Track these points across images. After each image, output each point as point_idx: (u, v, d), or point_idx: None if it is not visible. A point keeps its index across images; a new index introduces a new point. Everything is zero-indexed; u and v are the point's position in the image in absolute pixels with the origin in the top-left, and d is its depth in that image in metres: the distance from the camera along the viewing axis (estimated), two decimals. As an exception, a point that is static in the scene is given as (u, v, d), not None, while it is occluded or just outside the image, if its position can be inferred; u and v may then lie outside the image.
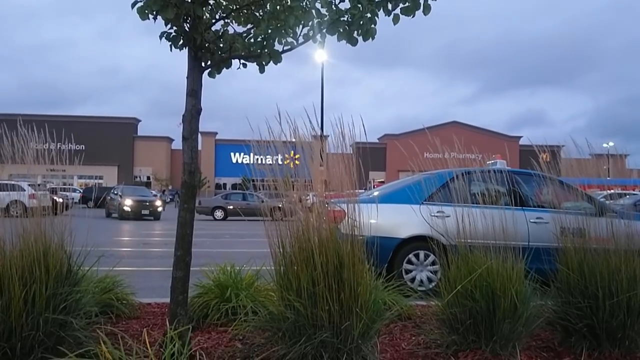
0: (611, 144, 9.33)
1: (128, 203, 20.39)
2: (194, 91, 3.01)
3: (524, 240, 4.22)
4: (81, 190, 29.54)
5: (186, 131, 3.01)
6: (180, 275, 3.02)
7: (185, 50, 3.01)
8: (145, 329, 3.44)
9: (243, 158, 60.78)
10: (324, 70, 21.43)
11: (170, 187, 46.57)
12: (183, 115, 3.03)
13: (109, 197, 21.89)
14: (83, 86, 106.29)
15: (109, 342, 2.31)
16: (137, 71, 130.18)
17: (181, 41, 2.93)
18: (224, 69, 3.18)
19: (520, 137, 59.78)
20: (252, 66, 3.13)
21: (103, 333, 2.52)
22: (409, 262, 5.35)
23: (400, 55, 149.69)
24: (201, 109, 3.01)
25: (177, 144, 59.64)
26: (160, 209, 21.70)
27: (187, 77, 3.06)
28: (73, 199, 17.34)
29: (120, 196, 21.04)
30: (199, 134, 3.54)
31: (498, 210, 3.42)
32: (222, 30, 3.17)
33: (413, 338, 3.44)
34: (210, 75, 3.17)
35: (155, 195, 25.14)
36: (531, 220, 5.32)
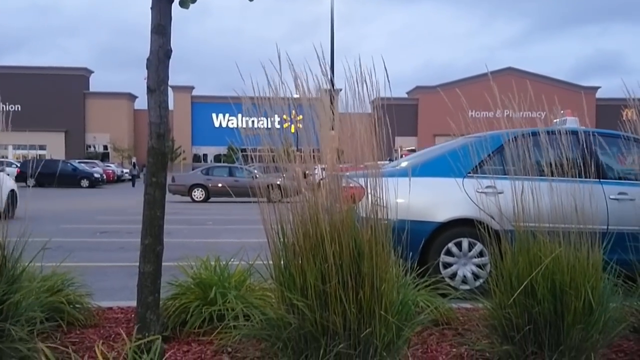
0: None
1: None
2: (160, 26, 2.98)
3: (602, 223, 4.20)
4: (17, 165, 29.89)
5: (152, 80, 3.00)
6: (149, 270, 3.05)
7: (149, -29, 2.96)
8: (104, 340, 3.52)
9: (228, 121, 60.83)
10: None
11: (134, 159, 46.90)
12: (148, 59, 3.01)
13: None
14: (13, 28, 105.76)
15: (57, 357, 2.35)
16: (81, 7, 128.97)
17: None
18: (201, -5, 3.13)
19: (597, 89, 59.13)
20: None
21: (49, 348, 2.56)
22: (449, 253, 5.36)
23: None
24: (171, 51, 2.98)
25: (142, 103, 59.71)
26: None
27: (151, 8, 3.03)
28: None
29: None
30: (171, 89, 3.48)
31: (568, 184, 3.39)
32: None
33: (454, 349, 3.48)
34: (183, 4, 3.13)
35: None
36: (611, 197, 5.28)
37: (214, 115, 61.64)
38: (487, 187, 4.74)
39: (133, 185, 35.76)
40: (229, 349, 3.32)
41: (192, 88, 62.52)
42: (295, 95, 3.01)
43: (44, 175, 28.16)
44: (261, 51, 2.83)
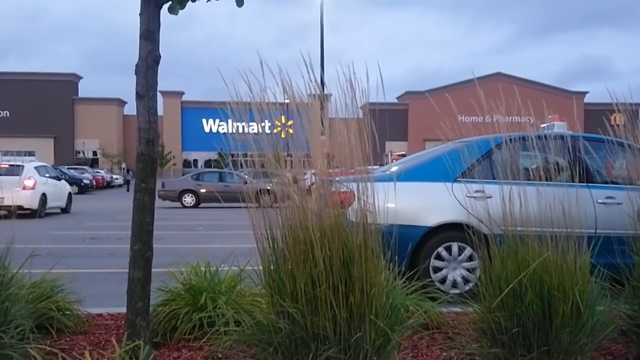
0: None
1: None
2: (149, 32, 2.99)
3: (590, 227, 4.23)
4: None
5: (141, 86, 3.00)
6: (139, 276, 3.04)
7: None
8: (93, 346, 3.50)
9: (219, 126, 60.64)
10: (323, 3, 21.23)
11: (124, 165, 46.69)
12: (136, 65, 3.01)
13: None
14: (0, 33, 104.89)
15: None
16: (69, 12, 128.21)
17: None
18: (189, 1, 3.14)
19: (585, 93, 59.65)
20: (222, 3, 3.09)
21: (40, 352, 2.55)
22: (439, 257, 5.38)
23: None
24: (160, 56, 2.99)
25: (131, 108, 59.48)
26: None
27: (140, 14, 3.03)
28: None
29: None
30: (160, 94, 3.49)
31: (556, 189, 3.42)
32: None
33: (444, 353, 3.49)
34: (171, 10, 3.13)
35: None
36: (599, 201, 5.33)
37: (204, 120, 61.46)
38: (477, 191, 4.78)
39: (128, 190, 36.11)
40: (220, 355, 3.31)
41: (182, 93, 62.36)
42: (286, 100, 3.01)
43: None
44: (251, 56, 2.82)
